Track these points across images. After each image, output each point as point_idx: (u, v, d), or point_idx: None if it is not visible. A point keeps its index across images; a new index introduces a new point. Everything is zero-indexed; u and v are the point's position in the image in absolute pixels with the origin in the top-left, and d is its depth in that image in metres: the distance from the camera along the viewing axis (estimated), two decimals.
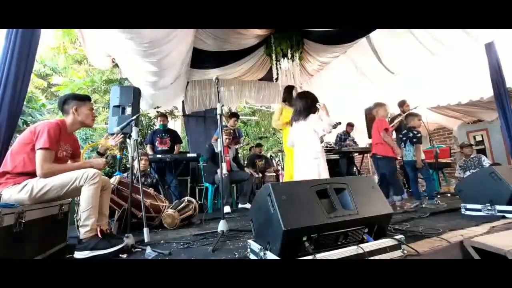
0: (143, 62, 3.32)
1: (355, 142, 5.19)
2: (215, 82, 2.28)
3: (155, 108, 5.11)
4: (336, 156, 5.18)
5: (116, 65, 4.16)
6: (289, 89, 3.26)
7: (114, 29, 2.55)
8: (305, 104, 2.32)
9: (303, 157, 2.26)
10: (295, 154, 2.36)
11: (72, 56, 7.27)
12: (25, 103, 3.84)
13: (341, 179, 1.39)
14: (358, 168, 5.29)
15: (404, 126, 3.98)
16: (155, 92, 4.41)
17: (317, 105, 2.30)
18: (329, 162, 5.24)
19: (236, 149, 4.41)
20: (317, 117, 2.24)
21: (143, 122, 5.49)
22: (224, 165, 2.15)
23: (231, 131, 4.28)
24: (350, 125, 5.20)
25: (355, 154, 5.32)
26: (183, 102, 5.87)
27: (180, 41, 3.48)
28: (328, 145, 5.45)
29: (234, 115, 4.67)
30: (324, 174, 2.19)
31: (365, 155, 5.43)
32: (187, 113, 5.96)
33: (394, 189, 2.96)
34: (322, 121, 2.22)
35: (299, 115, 2.33)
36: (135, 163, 2.13)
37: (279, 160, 6.26)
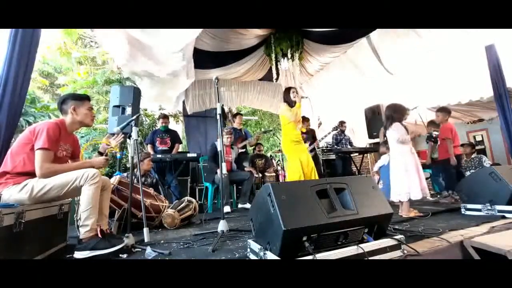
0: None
1: (350, 143, 5.17)
2: (215, 82, 2.28)
3: (160, 110, 5.14)
4: (333, 157, 5.19)
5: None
6: (286, 90, 3.33)
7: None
8: (388, 114, 2.69)
9: (392, 155, 2.62)
10: (390, 154, 2.72)
11: (76, 58, 7.30)
12: (28, 104, 3.84)
13: (341, 179, 1.39)
14: (358, 168, 5.28)
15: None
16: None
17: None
18: (326, 162, 5.28)
19: (244, 147, 4.42)
20: (398, 125, 2.56)
21: (147, 122, 5.48)
22: (224, 165, 2.15)
23: (234, 130, 4.30)
24: (341, 123, 5.17)
25: (355, 154, 5.31)
26: (183, 102, 5.88)
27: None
28: (328, 146, 5.45)
29: (237, 114, 4.71)
30: (411, 169, 2.43)
31: (365, 155, 5.42)
32: (187, 113, 5.97)
33: None
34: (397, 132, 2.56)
35: (386, 123, 2.69)
36: (135, 163, 2.13)
37: (279, 160, 6.25)
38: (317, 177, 3.15)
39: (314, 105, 6.48)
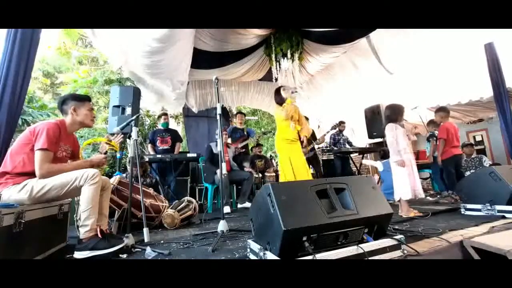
0: None
1: (349, 143, 5.15)
2: (215, 82, 2.28)
3: (162, 110, 5.16)
4: (332, 157, 5.19)
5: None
6: (276, 92, 3.26)
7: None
8: (386, 114, 2.68)
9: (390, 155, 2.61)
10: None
11: (77, 58, 7.32)
12: (27, 103, 3.83)
13: (341, 179, 1.39)
14: (358, 168, 5.28)
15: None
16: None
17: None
18: (325, 163, 5.27)
19: (245, 147, 4.43)
20: (392, 126, 2.55)
21: (148, 122, 5.48)
22: (223, 165, 2.15)
23: (235, 130, 4.32)
24: (340, 123, 5.16)
25: (355, 154, 5.31)
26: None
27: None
28: (327, 146, 5.45)
29: (237, 113, 4.73)
30: (400, 172, 2.43)
31: (365, 155, 5.43)
32: (187, 113, 5.97)
33: None
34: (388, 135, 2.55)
35: (384, 124, 2.69)
36: (135, 163, 2.13)
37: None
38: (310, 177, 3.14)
39: (314, 105, 6.48)
